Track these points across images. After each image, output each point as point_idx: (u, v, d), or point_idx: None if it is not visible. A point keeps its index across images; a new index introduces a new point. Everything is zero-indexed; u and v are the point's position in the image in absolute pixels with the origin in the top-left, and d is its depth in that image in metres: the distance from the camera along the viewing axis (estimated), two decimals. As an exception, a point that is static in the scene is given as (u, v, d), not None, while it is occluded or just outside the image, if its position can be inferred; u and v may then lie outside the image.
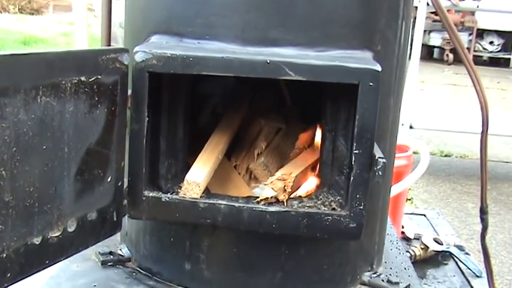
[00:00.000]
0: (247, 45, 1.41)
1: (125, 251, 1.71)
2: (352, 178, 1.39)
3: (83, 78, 1.22)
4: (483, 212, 1.79)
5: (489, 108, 1.68)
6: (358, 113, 1.35)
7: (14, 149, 1.08)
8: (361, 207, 1.40)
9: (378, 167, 1.34)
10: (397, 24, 1.53)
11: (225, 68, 1.37)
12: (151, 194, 1.45)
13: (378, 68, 1.35)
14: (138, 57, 1.36)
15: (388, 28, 1.50)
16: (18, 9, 13.68)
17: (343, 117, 1.47)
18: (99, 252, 1.67)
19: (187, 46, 1.42)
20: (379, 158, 1.34)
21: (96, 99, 1.27)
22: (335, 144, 1.49)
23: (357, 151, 1.37)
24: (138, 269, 1.66)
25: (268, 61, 1.35)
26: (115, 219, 1.40)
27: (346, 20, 1.44)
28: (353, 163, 1.38)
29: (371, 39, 1.47)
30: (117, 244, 1.73)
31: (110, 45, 2.06)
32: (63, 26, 11.48)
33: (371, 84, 1.34)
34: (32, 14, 13.77)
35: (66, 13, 12.13)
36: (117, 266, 1.66)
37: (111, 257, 1.67)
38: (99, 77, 1.26)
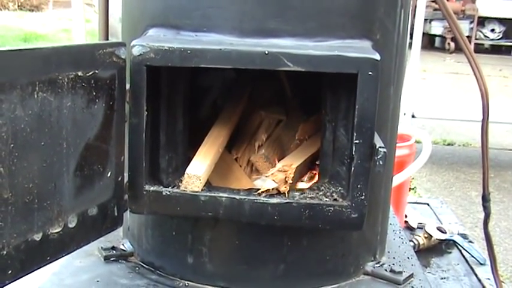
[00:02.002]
0: (245, 37, 1.40)
1: (127, 246, 1.70)
2: (353, 168, 1.38)
3: (79, 73, 1.21)
4: (485, 200, 1.79)
5: (490, 95, 1.67)
6: (358, 102, 1.35)
7: (12, 145, 1.08)
8: (363, 197, 1.39)
9: (379, 157, 1.33)
10: (395, 13, 1.51)
11: (223, 60, 1.36)
12: (152, 188, 1.44)
13: (377, 57, 1.34)
14: (136, 51, 1.35)
15: (386, 17, 1.49)
16: (18, 6, 13.67)
17: (343, 107, 1.46)
18: (101, 248, 1.67)
19: (185, 39, 1.41)
20: (380, 147, 1.34)
21: (94, 93, 1.26)
22: (335, 135, 1.48)
23: (357, 141, 1.37)
24: (141, 263, 1.66)
25: (266, 52, 1.34)
26: (116, 214, 1.40)
27: (344, 9, 1.43)
28: (354, 153, 1.37)
29: (370, 28, 1.46)
30: (119, 239, 1.73)
31: (107, 39, 2.06)
32: (63, 22, 11.47)
33: (370, 73, 1.33)
34: (32, 10, 13.76)
35: (66, 9, 12.11)
36: (120, 260, 1.66)
37: (114, 252, 1.67)
38: (96, 71, 1.26)
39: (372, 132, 1.37)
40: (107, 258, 1.65)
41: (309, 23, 1.41)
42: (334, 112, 1.48)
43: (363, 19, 1.46)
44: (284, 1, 1.40)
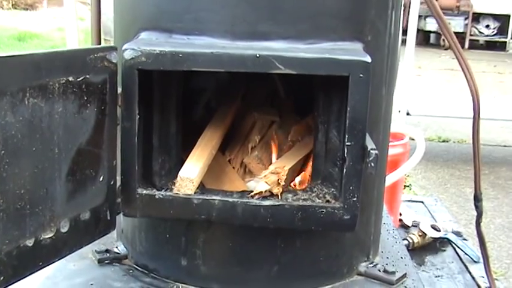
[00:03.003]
0: (237, 40, 1.40)
1: (121, 249, 1.71)
2: (345, 170, 1.39)
3: (70, 78, 1.21)
4: (477, 200, 1.80)
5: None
6: (349, 105, 1.35)
7: (3, 151, 1.08)
8: (355, 199, 1.40)
9: (371, 159, 1.34)
10: (387, 14, 1.52)
11: (215, 64, 1.36)
12: (144, 192, 1.44)
13: (368, 59, 1.34)
14: (127, 55, 1.35)
15: (378, 18, 1.49)
16: (12, 5, 13.64)
17: (336, 109, 1.46)
18: (95, 251, 1.67)
19: (177, 42, 1.41)
20: (371, 149, 1.34)
21: (85, 98, 1.26)
22: (328, 136, 1.49)
23: (349, 143, 1.37)
24: (135, 266, 1.66)
25: (257, 55, 1.34)
26: (108, 218, 1.40)
27: (336, 11, 1.43)
28: (346, 155, 1.38)
29: (361, 30, 1.47)
30: (113, 242, 1.73)
31: (100, 39, 2.06)
32: (57, 20, 11.44)
33: (361, 75, 1.34)
34: (26, 9, 13.73)
35: (60, 7, 12.08)
36: (114, 263, 1.66)
37: (108, 254, 1.67)
38: (88, 76, 1.26)
39: (363, 134, 1.37)
40: (100, 261, 1.65)
41: (301, 25, 1.41)
42: (326, 114, 1.49)
43: (354, 21, 1.46)
44: (275, 4, 1.40)
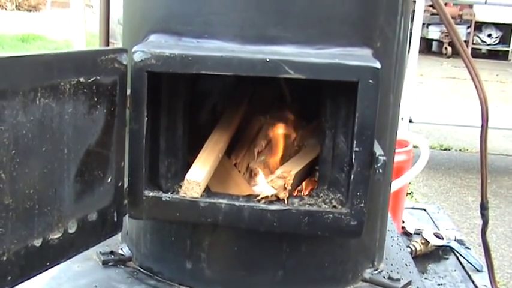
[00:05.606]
0: (246, 44, 1.40)
1: (125, 251, 1.70)
2: (352, 176, 1.39)
3: (81, 79, 1.21)
4: (483, 208, 1.79)
5: (488, 103, 1.68)
6: (358, 110, 1.35)
7: (13, 151, 1.08)
8: (362, 205, 1.40)
9: (378, 165, 1.34)
10: (396, 21, 1.52)
11: (224, 67, 1.36)
12: (151, 194, 1.44)
13: (378, 65, 1.35)
14: (137, 57, 1.36)
15: (387, 25, 1.50)
16: (16, 6, 13.66)
17: (343, 115, 1.46)
18: (100, 252, 1.66)
19: (186, 45, 1.42)
20: (380, 155, 1.34)
21: (95, 100, 1.27)
22: (335, 142, 1.49)
23: (357, 149, 1.37)
24: (139, 268, 1.65)
25: (267, 59, 1.35)
26: (115, 219, 1.40)
27: (345, 16, 1.44)
28: (353, 161, 1.38)
29: (370, 36, 1.47)
30: (117, 243, 1.73)
31: (108, 42, 2.06)
32: (61, 22, 11.45)
33: (370, 81, 1.34)
34: (30, 10, 13.75)
35: (64, 9, 12.11)
36: (118, 265, 1.66)
37: (112, 256, 1.67)
38: (98, 77, 1.26)
39: (371, 140, 1.37)
40: (105, 263, 1.65)
41: (310, 30, 1.42)
42: (333, 119, 1.49)
43: (364, 27, 1.46)
44: (285, 8, 1.40)
